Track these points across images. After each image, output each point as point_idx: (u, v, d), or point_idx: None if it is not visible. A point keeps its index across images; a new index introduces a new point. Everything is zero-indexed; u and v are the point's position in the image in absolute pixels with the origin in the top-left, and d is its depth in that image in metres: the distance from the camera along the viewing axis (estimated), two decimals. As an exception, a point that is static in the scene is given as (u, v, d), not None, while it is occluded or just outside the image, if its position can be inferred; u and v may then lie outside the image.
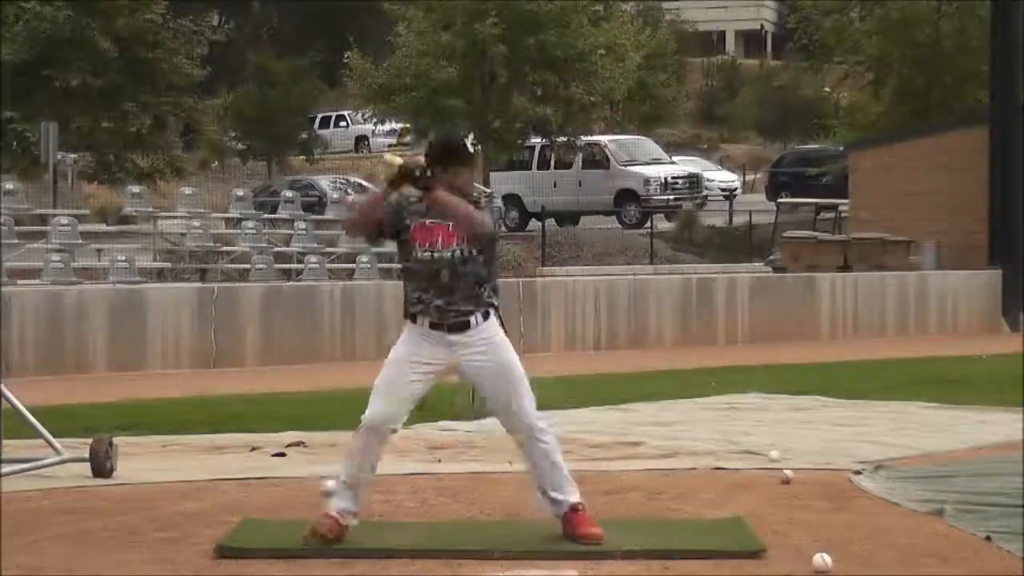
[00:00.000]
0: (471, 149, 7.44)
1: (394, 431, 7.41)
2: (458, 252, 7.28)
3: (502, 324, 7.47)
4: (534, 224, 37.65)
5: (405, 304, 7.46)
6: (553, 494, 7.41)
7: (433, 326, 7.32)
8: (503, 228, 7.68)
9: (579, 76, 33.99)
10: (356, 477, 7.35)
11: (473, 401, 12.32)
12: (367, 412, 7.33)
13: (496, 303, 7.44)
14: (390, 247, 7.89)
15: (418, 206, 7.37)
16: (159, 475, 9.71)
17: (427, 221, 7.32)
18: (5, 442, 9.37)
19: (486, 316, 7.36)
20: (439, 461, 10.44)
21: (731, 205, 42.97)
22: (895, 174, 31.35)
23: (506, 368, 7.38)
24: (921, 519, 8.20)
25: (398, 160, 7.47)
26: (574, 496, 7.42)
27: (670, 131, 57.98)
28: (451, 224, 7.28)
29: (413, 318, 7.38)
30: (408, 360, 7.35)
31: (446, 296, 7.31)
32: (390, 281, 20.90)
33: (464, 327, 7.32)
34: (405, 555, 7.11)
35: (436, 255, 7.29)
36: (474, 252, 7.29)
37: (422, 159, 7.32)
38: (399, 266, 7.68)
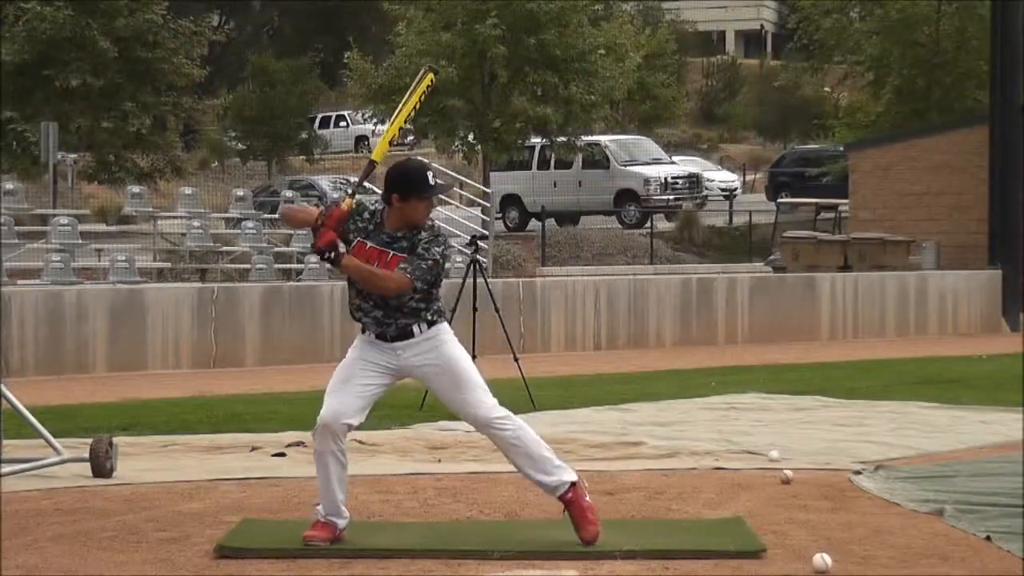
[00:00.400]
0: (432, 181, 7.25)
1: (350, 427, 7.33)
2: None
3: (449, 323, 7.46)
4: (534, 224, 37.65)
5: (350, 309, 7.45)
6: (540, 477, 7.32)
7: (377, 336, 7.32)
8: (451, 260, 7.56)
9: (579, 76, 33.99)
10: (328, 508, 7.32)
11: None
12: (321, 410, 7.32)
13: (439, 316, 7.35)
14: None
15: (367, 222, 7.28)
16: (159, 475, 9.71)
17: (368, 244, 7.24)
18: (5, 442, 9.37)
19: (431, 324, 7.32)
20: (439, 461, 10.44)
21: (731, 205, 42.97)
22: (895, 174, 31.38)
23: (452, 365, 7.30)
24: (921, 519, 8.20)
25: (428, 80, 7.46)
26: (566, 474, 7.31)
27: (670, 131, 58.00)
28: (391, 255, 7.21)
29: (362, 327, 7.39)
30: (358, 360, 7.34)
31: (383, 309, 7.29)
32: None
33: (407, 335, 7.30)
34: (405, 555, 7.10)
35: None
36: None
37: (329, 239, 7.13)
38: None
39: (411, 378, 7.48)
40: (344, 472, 7.35)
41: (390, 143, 7.59)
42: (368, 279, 7.20)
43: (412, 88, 7.61)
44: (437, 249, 7.22)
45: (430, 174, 7.29)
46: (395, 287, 7.17)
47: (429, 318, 7.31)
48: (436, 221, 7.54)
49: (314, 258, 25.82)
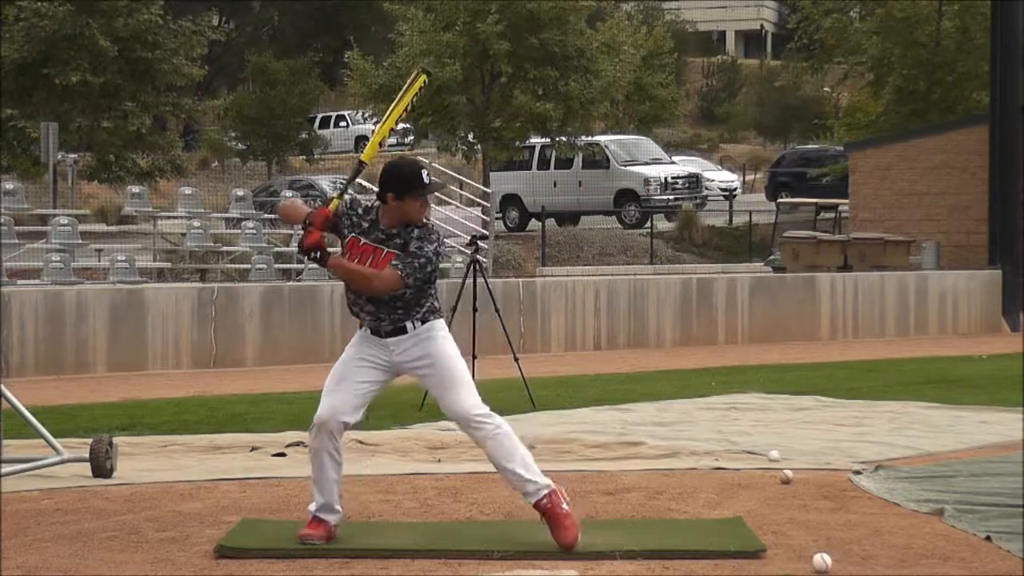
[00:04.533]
0: (426, 180, 7.25)
1: (346, 425, 7.34)
2: None
3: (449, 323, 7.51)
4: (534, 224, 37.66)
5: (347, 304, 7.49)
6: (517, 481, 7.27)
7: (372, 331, 7.36)
8: (445, 257, 7.57)
9: (578, 72, 34.01)
10: (323, 503, 7.34)
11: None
12: (317, 412, 7.34)
13: (434, 313, 7.36)
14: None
15: (363, 218, 7.30)
16: (159, 475, 9.71)
17: (362, 240, 7.28)
18: (5, 442, 9.38)
19: (424, 320, 7.33)
20: (439, 461, 10.44)
21: (731, 205, 42.98)
22: (895, 174, 31.38)
23: (443, 361, 7.31)
24: (921, 519, 8.20)
25: (421, 81, 7.50)
26: (543, 481, 7.25)
27: (670, 131, 58.01)
28: (384, 252, 7.22)
29: (359, 323, 7.43)
30: (355, 357, 7.37)
31: (375, 304, 7.31)
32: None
33: (401, 331, 7.31)
34: (405, 555, 7.10)
35: None
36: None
37: (315, 239, 7.20)
38: None
39: (407, 375, 7.48)
40: (340, 470, 7.38)
41: (380, 144, 7.60)
42: (356, 280, 7.25)
43: (404, 89, 7.63)
44: (430, 247, 7.23)
45: (425, 172, 7.30)
46: (384, 286, 7.19)
47: (423, 315, 7.32)
48: (432, 219, 7.55)
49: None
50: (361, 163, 7.53)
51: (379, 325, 7.33)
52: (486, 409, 7.32)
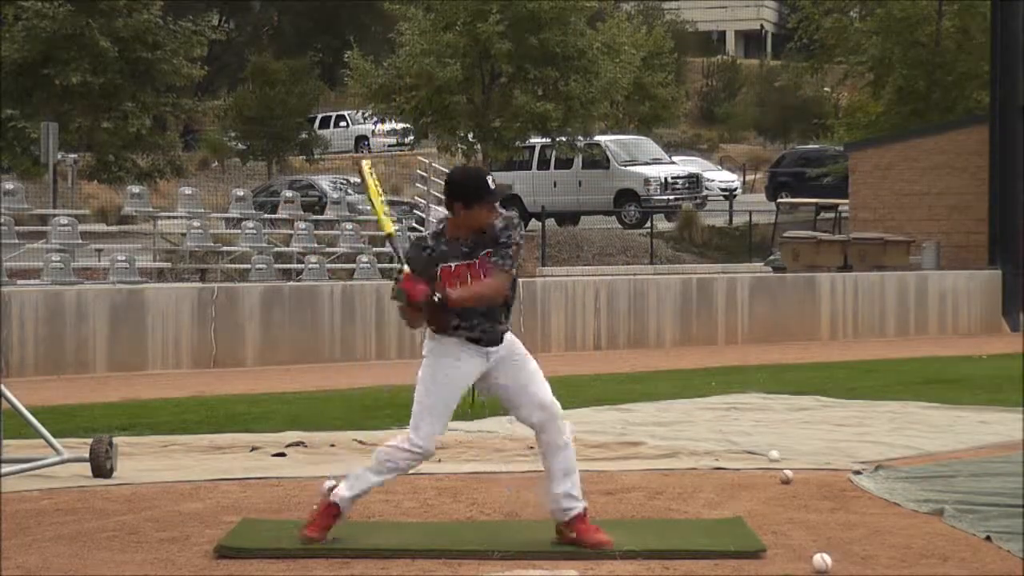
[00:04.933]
0: (492, 186, 7.17)
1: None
2: None
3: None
4: (534, 224, 37.65)
5: (441, 327, 7.26)
6: (566, 490, 7.28)
7: (487, 343, 7.25)
8: (521, 232, 7.51)
9: (578, 73, 34.01)
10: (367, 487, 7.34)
11: (473, 401, 12.36)
12: (423, 436, 7.19)
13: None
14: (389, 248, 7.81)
15: (437, 246, 7.22)
16: (159, 475, 9.71)
17: (452, 265, 7.18)
18: (5, 442, 9.38)
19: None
20: (439, 461, 10.42)
21: (731, 205, 42.97)
22: (895, 174, 31.37)
23: (529, 360, 7.35)
24: (921, 519, 8.20)
25: (367, 168, 7.46)
26: (582, 500, 7.35)
27: (670, 131, 57.99)
28: (477, 261, 7.17)
29: (453, 330, 7.23)
30: (462, 377, 7.24)
31: (492, 320, 7.26)
32: (390, 281, 20.85)
33: (499, 340, 7.29)
34: (405, 555, 7.11)
35: None
36: None
37: (421, 291, 7.06)
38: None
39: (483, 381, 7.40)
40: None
41: (384, 213, 7.51)
42: (480, 299, 7.15)
43: (364, 183, 7.54)
44: (516, 233, 7.24)
45: (490, 179, 7.25)
46: (504, 288, 7.18)
47: (509, 316, 7.36)
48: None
49: (314, 258, 25.88)
50: (389, 235, 7.41)
51: (495, 334, 7.25)
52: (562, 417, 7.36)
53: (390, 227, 7.47)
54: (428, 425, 7.20)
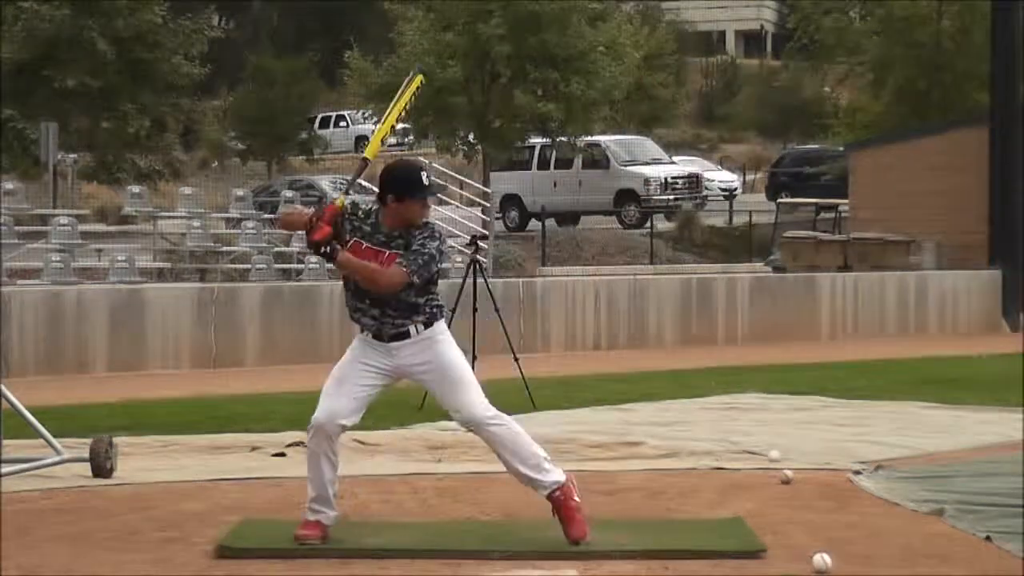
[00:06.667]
0: (426, 182, 7.23)
1: (343, 428, 7.33)
2: None
3: (449, 323, 7.51)
4: (534, 224, 37.63)
5: (348, 310, 7.45)
6: (530, 475, 7.31)
7: (374, 336, 7.33)
8: (445, 257, 7.55)
9: (579, 74, 34.00)
10: (315, 496, 7.34)
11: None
12: (314, 414, 7.31)
13: (438, 309, 7.38)
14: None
15: (364, 222, 7.27)
16: (159, 475, 9.71)
17: (364, 244, 7.23)
18: (5, 442, 9.37)
19: (428, 324, 7.32)
20: (439, 461, 10.44)
21: (731, 205, 42.93)
22: (895, 174, 31.36)
23: (447, 365, 7.31)
24: (921, 519, 8.20)
25: (416, 82, 7.52)
26: (556, 474, 7.33)
27: (670, 131, 57.96)
28: (386, 253, 7.20)
29: (360, 327, 7.39)
30: (355, 361, 7.35)
31: (380, 308, 7.29)
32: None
33: (404, 336, 7.30)
34: (405, 555, 7.10)
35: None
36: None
37: (326, 231, 7.14)
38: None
39: (407, 379, 7.47)
40: (335, 471, 7.37)
41: (382, 141, 7.60)
42: (364, 275, 7.21)
43: (402, 89, 7.62)
44: (433, 244, 7.23)
45: (424, 174, 7.29)
46: (391, 282, 7.17)
47: (425, 318, 7.31)
48: (432, 219, 7.56)
49: (314, 258, 25.78)
50: (365, 160, 7.51)
51: (382, 330, 7.31)
52: (495, 411, 7.34)
53: (374, 155, 7.48)
54: (320, 403, 7.30)
